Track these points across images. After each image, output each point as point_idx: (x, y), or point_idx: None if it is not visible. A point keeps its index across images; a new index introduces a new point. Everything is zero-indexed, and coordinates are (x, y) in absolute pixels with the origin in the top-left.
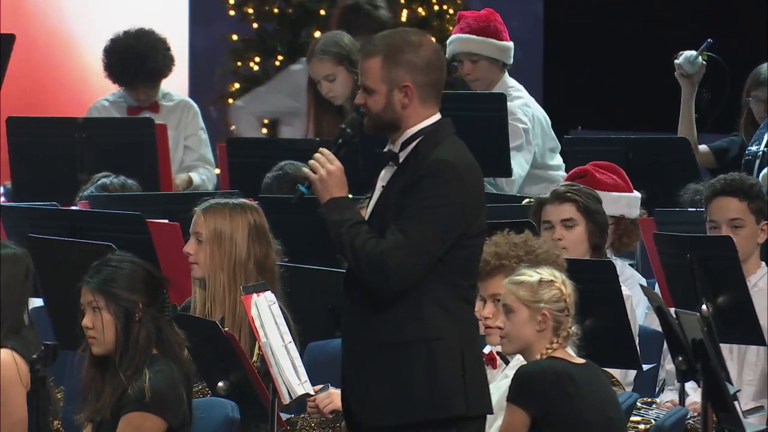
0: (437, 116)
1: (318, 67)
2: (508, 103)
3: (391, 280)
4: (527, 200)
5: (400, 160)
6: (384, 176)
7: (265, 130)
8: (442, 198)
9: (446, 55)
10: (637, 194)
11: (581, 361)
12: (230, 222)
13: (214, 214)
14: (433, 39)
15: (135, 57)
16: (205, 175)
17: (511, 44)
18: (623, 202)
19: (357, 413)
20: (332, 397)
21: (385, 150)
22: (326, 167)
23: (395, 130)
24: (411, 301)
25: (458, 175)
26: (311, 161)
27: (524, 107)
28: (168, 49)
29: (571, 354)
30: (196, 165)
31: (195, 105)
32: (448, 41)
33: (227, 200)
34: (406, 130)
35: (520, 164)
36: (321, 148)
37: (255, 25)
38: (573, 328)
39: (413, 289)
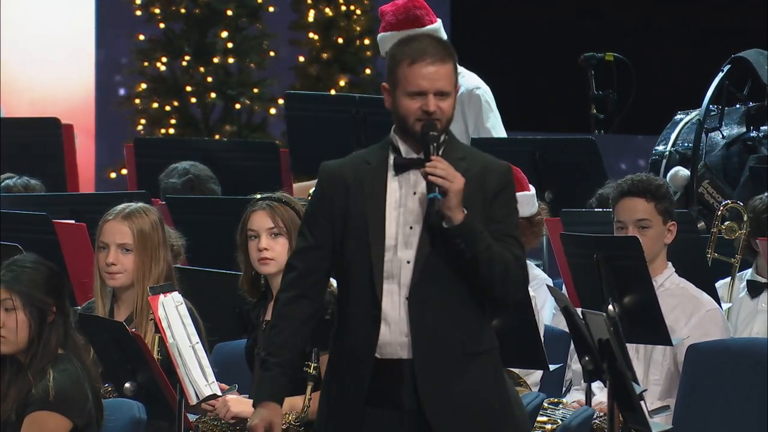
0: None
1: None
2: (471, 79)
3: (522, 292)
4: None
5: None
6: (415, 182)
7: None
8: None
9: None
10: (527, 193)
11: None
12: (151, 227)
13: (137, 221)
14: (340, 40)
15: None
16: None
17: (437, 24)
18: None
19: (436, 423)
20: (228, 404)
21: (412, 157)
22: (458, 177)
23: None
24: (484, 312)
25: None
26: (438, 170)
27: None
28: None
29: None
30: None
31: None
32: (378, 39)
33: (136, 204)
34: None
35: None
36: (435, 157)
37: (162, 26)
38: None
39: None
